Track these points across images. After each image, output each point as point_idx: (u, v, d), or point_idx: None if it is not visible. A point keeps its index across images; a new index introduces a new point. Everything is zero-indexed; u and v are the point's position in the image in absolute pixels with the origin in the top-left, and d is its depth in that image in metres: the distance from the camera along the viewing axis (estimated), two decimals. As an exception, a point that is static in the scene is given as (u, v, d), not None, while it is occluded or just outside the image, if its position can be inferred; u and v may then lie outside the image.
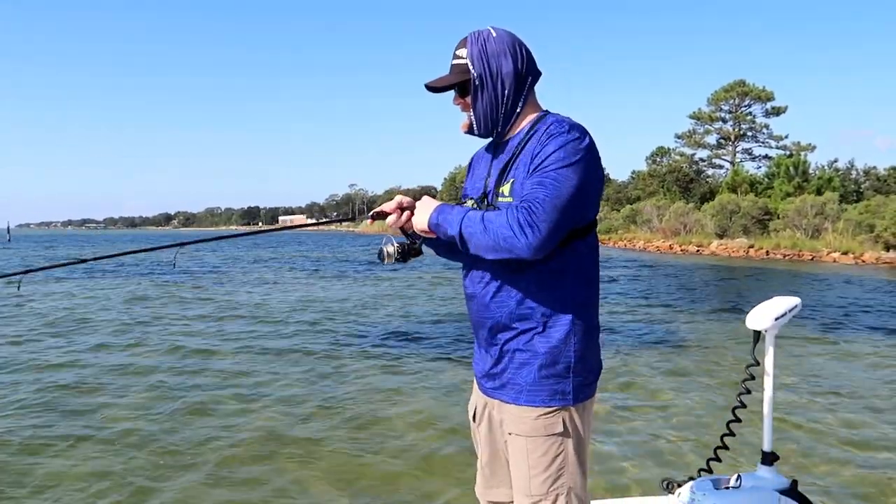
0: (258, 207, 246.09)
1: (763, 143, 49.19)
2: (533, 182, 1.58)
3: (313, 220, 2.01)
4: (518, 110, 1.73)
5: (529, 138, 1.69)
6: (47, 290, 15.32)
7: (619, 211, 52.80)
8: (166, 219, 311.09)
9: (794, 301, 2.06)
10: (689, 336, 8.91)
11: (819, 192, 33.88)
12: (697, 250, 34.10)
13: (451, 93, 1.77)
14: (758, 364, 2.07)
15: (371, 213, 1.81)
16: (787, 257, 28.73)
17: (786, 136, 48.14)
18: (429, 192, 53.54)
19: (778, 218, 33.11)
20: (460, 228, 1.61)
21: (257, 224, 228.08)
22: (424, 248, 1.84)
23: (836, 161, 47.41)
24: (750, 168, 47.38)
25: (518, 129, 1.75)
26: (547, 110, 1.78)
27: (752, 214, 33.95)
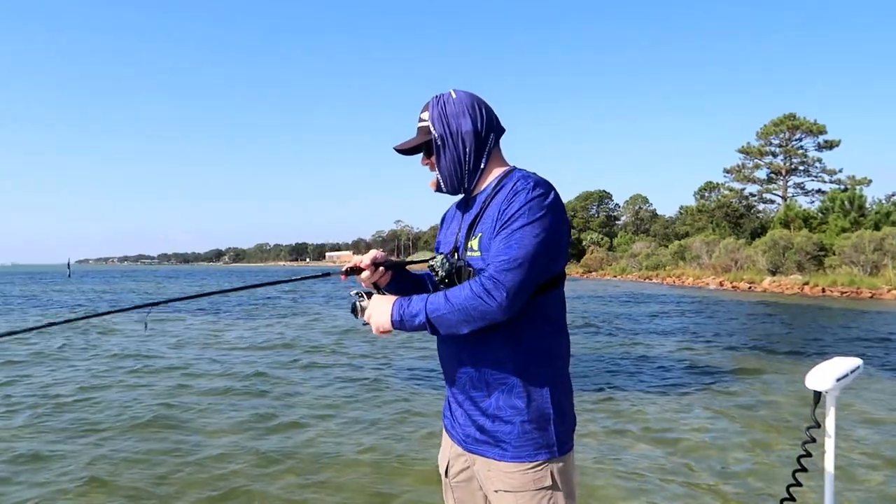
0: (306, 244, 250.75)
1: (816, 177, 47.98)
2: (499, 242, 1.62)
3: (274, 282, 2.01)
4: (482, 167, 1.80)
5: (496, 193, 1.73)
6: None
7: (666, 247, 51.98)
8: (217, 255, 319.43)
9: (856, 362, 1.99)
10: (744, 383, 8.58)
11: (877, 227, 32.69)
12: (749, 287, 33.18)
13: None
14: (818, 426, 1.99)
15: (345, 268, 1.86)
16: (844, 294, 27.70)
17: (840, 170, 46.88)
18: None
19: (834, 254, 32.03)
20: (426, 316, 1.63)
21: (305, 260, 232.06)
22: None
23: (893, 195, 45.85)
24: (803, 203, 46.27)
25: (485, 185, 1.81)
26: (514, 166, 1.83)
27: (806, 250, 32.94)
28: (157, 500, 4.31)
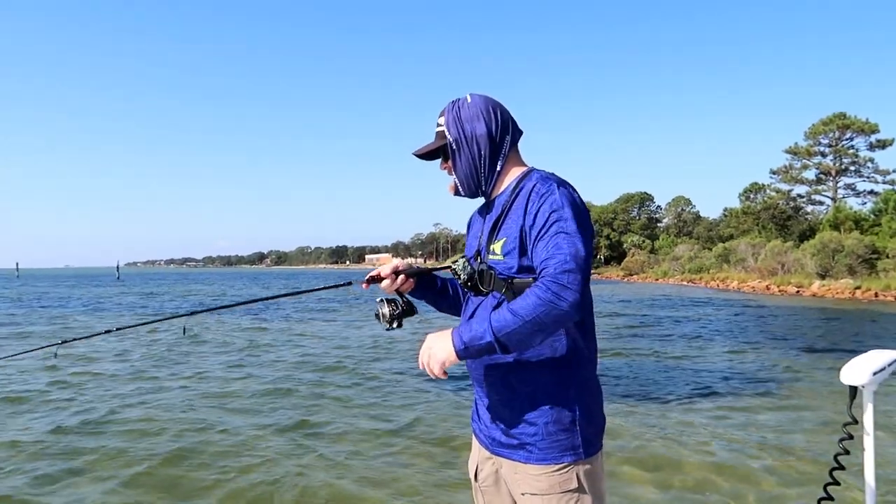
0: (346, 247, 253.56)
1: (868, 177, 46.39)
2: (545, 245, 1.60)
3: (297, 290, 2.08)
4: (498, 169, 1.80)
5: (516, 196, 1.73)
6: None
7: (710, 249, 50.97)
8: (260, 258, 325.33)
9: (893, 355, 1.90)
10: (786, 385, 8.35)
11: (934, 229, 31.49)
12: (797, 291, 32.25)
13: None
14: (856, 422, 1.91)
15: (367, 277, 1.87)
16: (899, 299, 26.72)
17: (893, 171, 45.25)
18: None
19: (888, 257, 30.90)
20: (493, 335, 1.55)
21: (345, 263, 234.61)
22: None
23: (951, 195, 44.03)
24: (854, 204, 44.77)
25: (503, 188, 1.82)
26: (532, 167, 1.83)
27: (857, 253, 31.86)
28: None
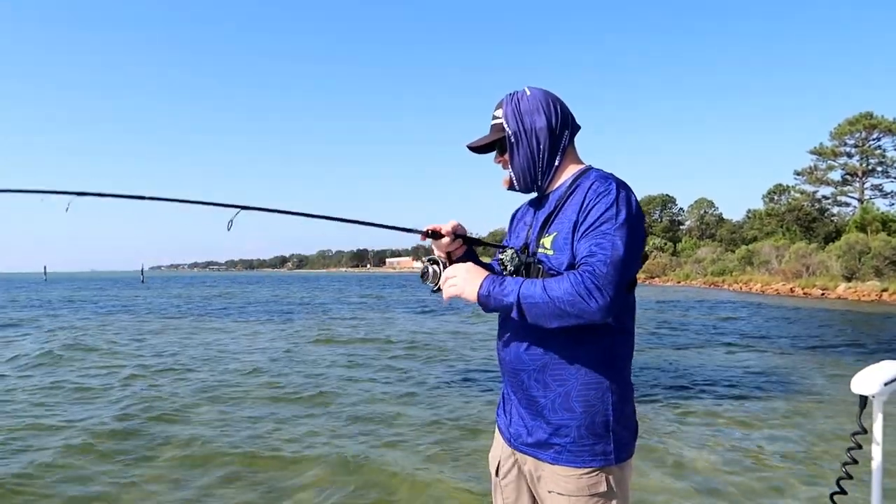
0: (366, 250, 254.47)
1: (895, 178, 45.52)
2: (590, 243, 1.57)
3: (418, 261, 1.94)
4: (556, 164, 1.76)
5: (572, 192, 1.70)
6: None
7: (733, 252, 50.36)
8: (281, 261, 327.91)
9: (906, 365, 1.89)
10: (803, 391, 8.24)
11: (964, 231, 30.81)
12: (822, 294, 31.72)
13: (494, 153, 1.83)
14: (865, 432, 1.90)
15: (426, 229, 1.82)
16: (927, 302, 26.17)
17: (921, 171, 44.38)
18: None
19: (916, 259, 30.33)
20: (518, 298, 1.58)
21: (366, 266, 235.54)
22: None
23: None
24: (881, 205, 43.90)
25: (559, 183, 1.78)
26: (589, 165, 1.79)
27: (885, 255, 31.26)
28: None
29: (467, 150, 1.85)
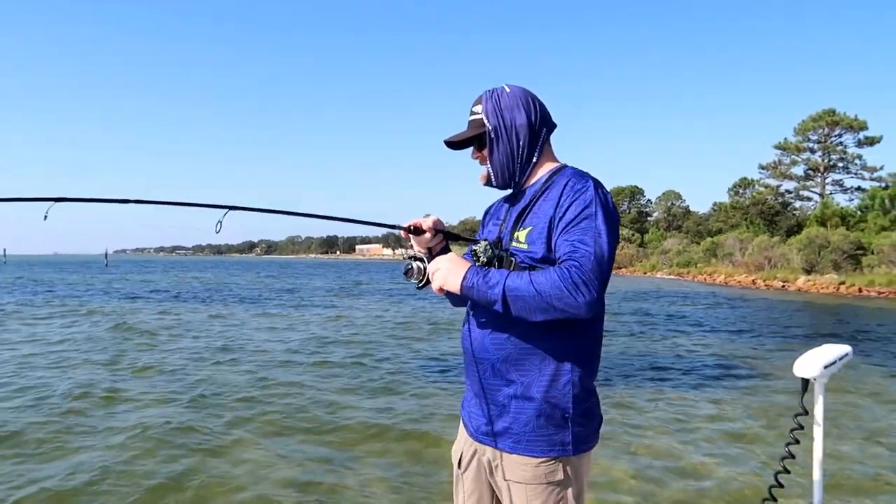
0: (336, 237, 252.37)
1: (856, 174, 46.61)
2: (573, 239, 1.59)
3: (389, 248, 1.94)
4: (534, 161, 1.78)
5: (547, 188, 1.72)
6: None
7: (698, 244, 51.22)
8: (250, 247, 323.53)
9: (844, 349, 1.97)
10: (757, 376, 8.48)
11: (919, 226, 31.79)
12: (783, 286, 32.54)
13: (471, 148, 1.83)
14: (806, 413, 1.98)
15: (408, 225, 1.85)
16: (882, 295, 26.97)
17: (881, 167, 45.47)
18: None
19: (872, 253, 31.21)
20: (504, 291, 1.58)
21: (335, 253, 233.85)
22: None
23: (938, 193, 44.38)
24: (841, 200, 44.97)
25: (535, 179, 1.80)
26: (565, 163, 1.82)
27: (843, 249, 32.15)
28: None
29: (444, 145, 1.84)
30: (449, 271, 1.67)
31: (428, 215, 1.91)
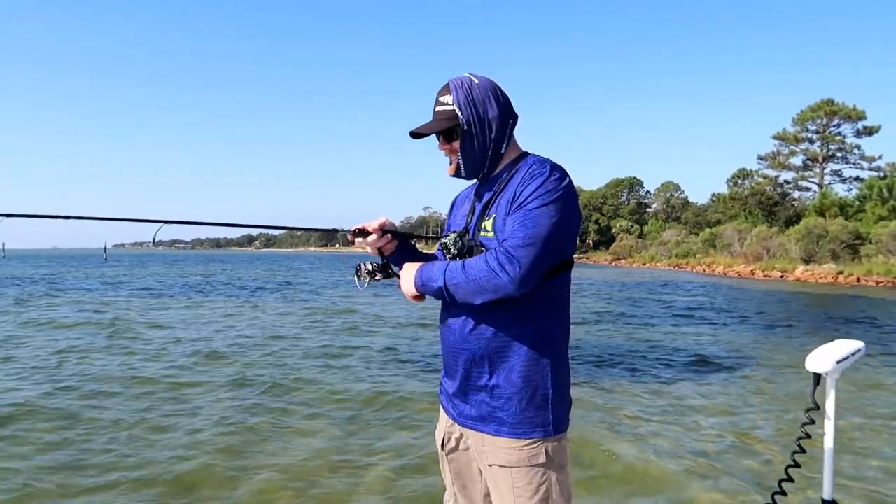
0: (336, 229, 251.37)
1: (854, 164, 46.66)
2: (514, 220, 1.64)
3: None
4: (502, 152, 1.80)
5: (511, 177, 1.75)
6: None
7: (697, 234, 51.30)
8: (249, 240, 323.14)
9: (857, 345, 1.97)
10: (760, 370, 8.49)
11: (917, 216, 31.84)
12: (781, 276, 32.61)
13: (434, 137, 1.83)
14: (818, 408, 1.99)
15: (353, 229, 1.88)
16: (880, 284, 27.04)
17: (879, 157, 45.53)
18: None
19: (870, 243, 31.28)
20: (444, 281, 1.68)
21: (335, 245, 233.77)
22: None
23: (936, 183, 44.39)
24: (840, 190, 45.10)
25: (500, 169, 1.82)
26: (527, 151, 1.85)
27: (841, 239, 32.22)
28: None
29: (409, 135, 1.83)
30: (404, 279, 1.78)
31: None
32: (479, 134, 1.75)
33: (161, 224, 1.99)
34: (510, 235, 1.63)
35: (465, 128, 1.75)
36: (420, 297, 1.79)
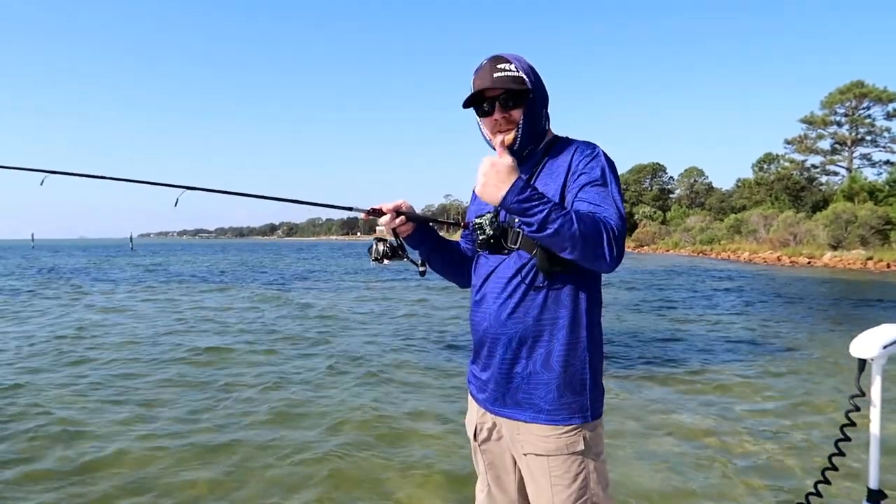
0: (356, 218, 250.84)
1: (884, 147, 45.56)
2: (595, 201, 1.58)
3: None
4: (548, 128, 1.79)
5: (551, 157, 1.73)
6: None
7: (722, 220, 50.64)
8: (271, 229, 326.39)
9: (905, 328, 1.92)
10: (795, 356, 8.37)
11: (950, 200, 31.07)
12: (809, 262, 32.06)
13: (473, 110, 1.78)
14: (863, 395, 1.94)
15: (369, 208, 1.87)
16: (912, 270, 26.51)
17: (910, 140, 44.45)
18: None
19: (901, 228, 30.64)
20: (549, 212, 1.49)
21: (356, 234, 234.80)
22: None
23: (969, 166, 43.26)
24: (869, 175, 44.11)
25: (539, 148, 1.79)
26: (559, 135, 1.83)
27: (870, 224, 31.56)
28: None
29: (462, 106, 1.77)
30: (496, 178, 1.54)
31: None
32: (540, 104, 1.73)
33: (183, 189, 2.00)
34: (607, 211, 1.55)
35: (532, 95, 1.70)
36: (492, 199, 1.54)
